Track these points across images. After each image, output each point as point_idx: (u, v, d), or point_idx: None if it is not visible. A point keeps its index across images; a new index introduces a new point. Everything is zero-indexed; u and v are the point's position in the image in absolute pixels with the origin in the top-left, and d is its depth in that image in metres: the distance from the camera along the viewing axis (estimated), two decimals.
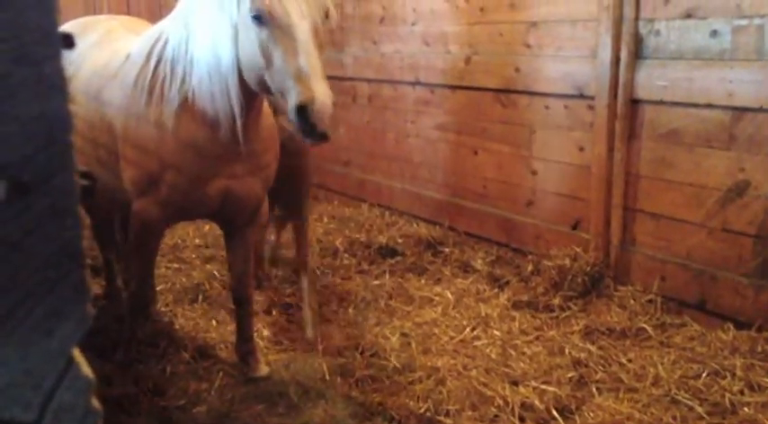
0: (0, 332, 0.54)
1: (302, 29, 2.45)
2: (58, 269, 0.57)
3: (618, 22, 3.81)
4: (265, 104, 3.02)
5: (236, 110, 2.72)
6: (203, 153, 2.81)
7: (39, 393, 0.57)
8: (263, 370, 3.32)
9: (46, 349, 0.57)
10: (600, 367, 3.28)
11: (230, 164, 2.87)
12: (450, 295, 4.18)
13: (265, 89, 2.64)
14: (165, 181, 2.85)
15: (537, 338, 3.63)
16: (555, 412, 2.94)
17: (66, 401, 0.57)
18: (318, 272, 4.59)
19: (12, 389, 0.56)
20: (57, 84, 0.54)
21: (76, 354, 0.59)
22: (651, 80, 3.72)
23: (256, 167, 2.95)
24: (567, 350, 3.43)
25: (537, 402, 2.99)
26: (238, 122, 2.73)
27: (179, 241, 5.20)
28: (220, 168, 2.86)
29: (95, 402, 0.60)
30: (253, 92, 2.71)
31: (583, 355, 3.37)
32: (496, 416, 2.94)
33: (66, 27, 3.52)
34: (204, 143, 2.79)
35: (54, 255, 0.57)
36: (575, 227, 4.28)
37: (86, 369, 0.59)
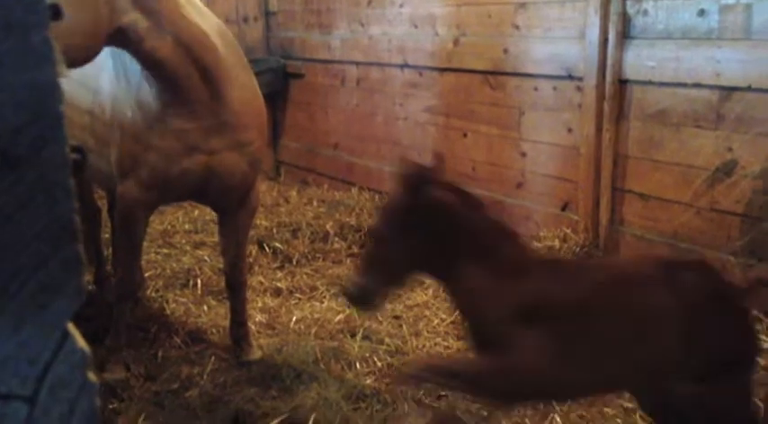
0: None
1: None
2: (51, 243, 0.56)
3: (606, 3, 3.81)
4: (245, 79, 2.96)
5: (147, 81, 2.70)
6: (173, 128, 2.80)
7: (34, 367, 0.56)
8: (256, 354, 3.33)
9: (40, 323, 0.57)
10: None
11: (206, 139, 2.84)
12: None
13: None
14: (144, 161, 2.86)
15: None
16: None
17: (61, 374, 0.57)
18: (309, 257, 4.59)
19: (7, 363, 0.55)
20: (45, 54, 0.54)
21: (71, 328, 0.59)
22: (639, 60, 3.73)
23: (235, 143, 2.91)
24: None
25: None
26: (171, 97, 2.71)
27: (168, 226, 5.18)
28: (196, 142, 2.83)
29: (92, 376, 0.60)
30: (157, 63, 2.64)
31: None
32: None
33: None
34: (170, 118, 2.79)
35: (47, 229, 0.56)
36: (564, 208, 4.30)
37: (82, 343, 0.59)
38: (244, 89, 2.94)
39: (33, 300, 0.55)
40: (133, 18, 2.49)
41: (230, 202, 3.14)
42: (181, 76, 2.67)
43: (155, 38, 2.55)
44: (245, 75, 3.00)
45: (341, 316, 3.74)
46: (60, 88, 0.55)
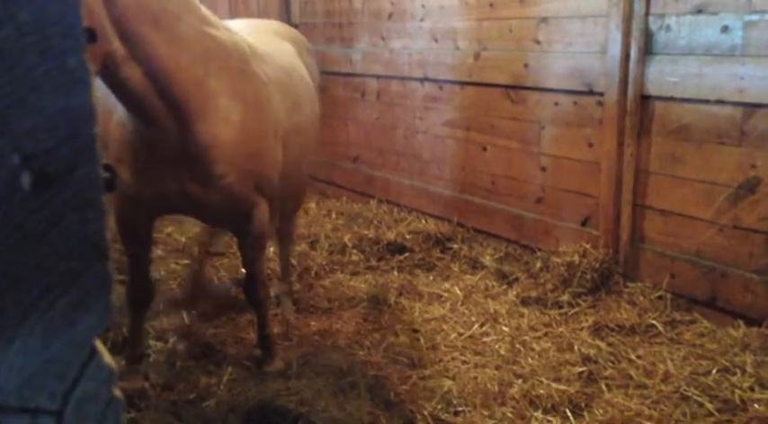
0: (25, 323, 0.55)
1: None
2: (82, 261, 0.58)
3: (628, 18, 3.80)
4: (229, 109, 2.81)
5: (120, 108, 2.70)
6: (143, 153, 2.79)
7: (62, 383, 0.57)
8: (276, 365, 3.34)
9: (69, 339, 0.58)
10: (609, 364, 3.28)
11: (173, 168, 2.77)
12: (458, 292, 4.18)
13: None
14: (121, 176, 2.86)
15: (546, 334, 3.63)
16: (564, 409, 2.94)
17: (89, 390, 0.58)
18: (327, 269, 4.60)
19: (36, 378, 0.56)
20: (80, 77, 0.55)
21: (99, 344, 0.60)
22: (661, 76, 3.71)
23: (204, 175, 2.79)
24: (576, 347, 3.43)
25: (546, 399, 2.99)
26: (128, 122, 2.70)
27: (187, 237, 5.21)
28: (165, 170, 2.78)
29: (118, 392, 0.60)
30: (125, 92, 2.56)
31: (592, 351, 3.37)
32: (505, 413, 2.94)
33: None
34: (140, 143, 2.77)
35: (78, 246, 0.57)
36: (584, 223, 4.27)
37: (108, 359, 0.60)
38: (222, 120, 2.78)
39: (63, 317, 0.56)
40: (115, 46, 2.42)
41: (226, 227, 3.14)
42: (146, 107, 2.61)
43: (128, 67, 2.48)
44: (234, 102, 2.83)
45: (358, 328, 3.75)
46: (94, 110, 0.56)
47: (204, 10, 2.82)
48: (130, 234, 3.08)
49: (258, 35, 3.52)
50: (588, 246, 4.10)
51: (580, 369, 3.23)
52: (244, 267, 3.31)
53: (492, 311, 3.90)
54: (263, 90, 3.02)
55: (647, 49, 3.77)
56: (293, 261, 4.41)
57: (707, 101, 3.53)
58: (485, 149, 4.95)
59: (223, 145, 2.78)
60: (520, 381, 3.17)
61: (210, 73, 2.73)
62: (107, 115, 2.88)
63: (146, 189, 2.86)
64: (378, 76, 5.90)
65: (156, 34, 2.52)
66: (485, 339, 3.62)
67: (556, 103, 4.36)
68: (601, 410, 2.92)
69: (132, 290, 3.18)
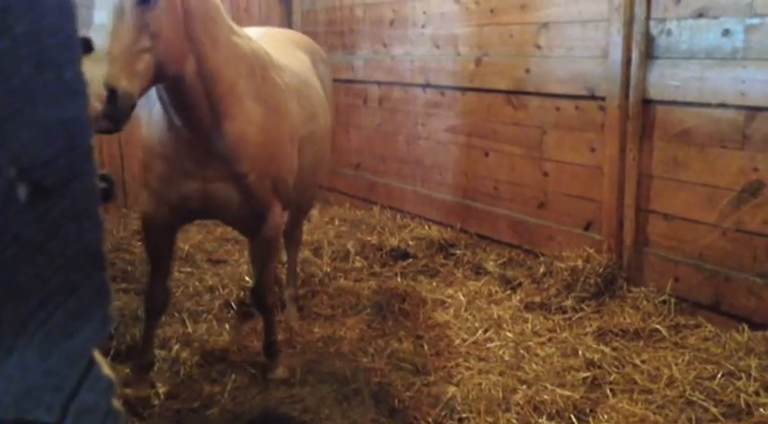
0: (22, 334, 0.55)
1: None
2: (80, 271, 0.58)
3: (629, 22, 3.80)
4: (254, 110, 2.90)
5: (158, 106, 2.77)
6: (173, 149, 2.85)
7: (60, 395, 0.57)
8: (280, 373, 3.33)
9: (67, 351, 0.58)
10: (614, 369, 3.27)
11: (200, 166, 2.85)
12: (462, 298, 4.17)
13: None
14: (149, 178, 2.94)
15: (550, 339, 3.63)
16: (569, 414, 2.93)
17: (87, 402, 0.58)
18: (330, 275, 4.60)
19: (34, 391, 0.56)
20: (77, 89, 0.55)
21: (97, 355, 0.60)
22: (663, 80, 3.71)
23: (227, 174, 2.87)
24: (580, 352, 3.42)
25: (551, 405, 2.98)
26: (175, 120, 2.75)
27: (191, 245, 5.22)
28: (191, 168, 2.86)
29: (117, 403, 0.60)
30: (177, 89, 2.65)
31: (596, 356, 3.36)
32: (510, 419, 2.93)
33: None
34: (171, 140, 2.84)
35: (75, 258, 0.57)
36: (587, 228, 4.27)
37: (107, 370, 0.60)
38: (248, 121, 2.87)
39: (61, 328, 0.56)
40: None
41: (241, 229, 3.17)
42: (191, 104, 2.69)
43: (188, 62, 2.60)
44: (257, 105, 2.92)
45: (362, 335, 3.74)
46: (90, 121, 0.56)
47: (229, 19, 2.92)
48: (151, 239, 3.12)
49: (276, 44, 3.58)
50: (591, 251, 4.10)
51: (584, 374, 3.22)
52: (254, 271, 3.30)
53: (496, 316, 3.89)
54: (282, 96, 3.11)
55: (649, 54, 3.77)
56: (297, 268, 4.41)
57: (709, 105, 3.53)
58: (487, 155, 4.95)
59: (247, 145, 2.89)
60: (524, 387, 3.16)
61: (241, 75, 2.84)
62: (142, 116, 2.98)
63: (170, 191, 2.91)
64: (379, 83, 5.91)
65: (203, 34, 2.65)
66: (488, 344, 3.61)
67: (557, 108, 4.36)
68: (605, 416, 2.91)
69: (151, 297, 3.19)
